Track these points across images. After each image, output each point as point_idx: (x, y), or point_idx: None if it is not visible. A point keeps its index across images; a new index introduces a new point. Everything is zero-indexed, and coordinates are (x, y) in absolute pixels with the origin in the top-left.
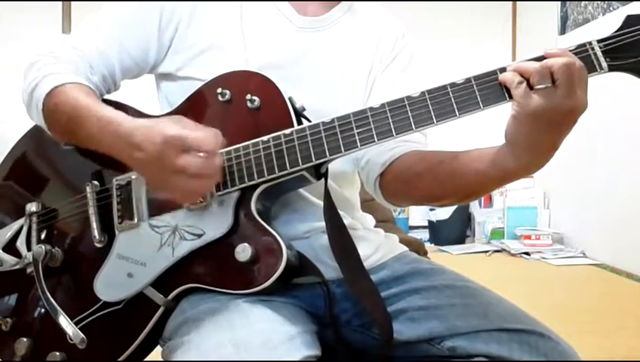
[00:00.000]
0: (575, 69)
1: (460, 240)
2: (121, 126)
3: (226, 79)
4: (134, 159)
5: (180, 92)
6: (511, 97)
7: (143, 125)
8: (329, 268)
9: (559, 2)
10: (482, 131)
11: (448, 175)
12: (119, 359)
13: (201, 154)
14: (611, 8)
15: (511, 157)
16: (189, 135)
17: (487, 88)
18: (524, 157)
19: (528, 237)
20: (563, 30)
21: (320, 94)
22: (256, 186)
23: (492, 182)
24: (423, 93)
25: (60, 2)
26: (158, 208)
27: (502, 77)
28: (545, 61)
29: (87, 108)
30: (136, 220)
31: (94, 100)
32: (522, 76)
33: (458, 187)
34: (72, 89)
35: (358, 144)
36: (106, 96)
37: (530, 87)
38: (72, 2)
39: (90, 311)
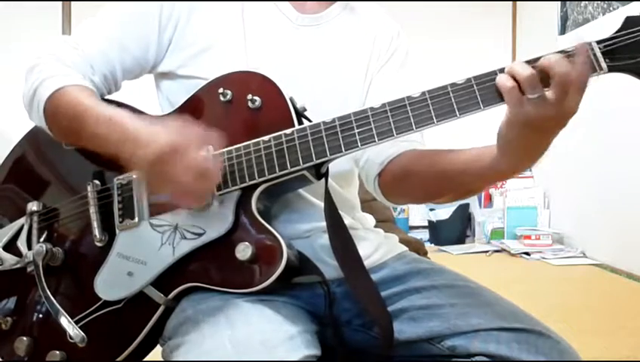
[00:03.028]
0: (570, 78)
1: (460, 240)
2: (127, 123)
3: (228, 79)
4: (138, 157)
5: (181, 91)
6: None
7: (147, 124)
8: (329, 268)
9: (559, 2)
10: (481, 129)
11: (444, 174)
12: (119, 358)
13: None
14: (611, 8)
15: (503, 158)
16: (190, 140)
17: (488, 88)
18: (516, 158)
19: (528, 237)
20: (563, 30)
21: (319, 90)
22: (257, 186)
23: (486, 181)
24: (423, 93)
25: (60, 2)
26: (158, 207)
27: (497, 81)
28: (540, 65)
29: (90, 107)
30: (136, 219)
31: (96, 100)
32: (515, 79)
33: (454, 186)
34: (73, 91)
35: (359, 144)
36: (107, 97)
37: (523, 92)
38: (72, 2)
39: (90, 310)
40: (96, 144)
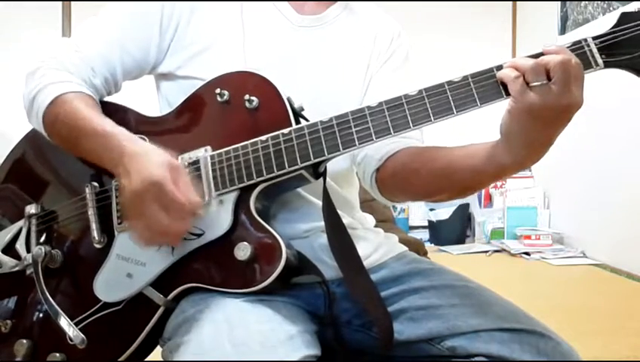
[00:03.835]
0: (571, 66)
1: (460, 240)
2: (122, 145)
3: (225, 80)
4: (121, 183)
5: (180, 92)
6: (508, 94)
7: (138, 154)
8: (329, 268)
9: (559, 2)
10: (479, 128)
11: (443, 171)
12: (119, 359)
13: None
14: (611, 8)
15: (506, 152)
16: (169, 193)
17: (485, 86)
18: (519, 152)
19: (528, 237)
20: (563, 30)
21: (318, 91)
22: (255, 186)
23: (487, 177)
24: (420, 91)
25: (60, 2)
26: None
27: (499, 74)
28: (540, 58)
29: (88, 121)
30: None
31: (95, 113)
32: (518, 71)
33: (453, 182)
34: (73, 99)
35: (357, 143)
36: (107, 98)
37: (527, 83)
38: (72, 2)
39: (90, 311)
40: (90, 158)
